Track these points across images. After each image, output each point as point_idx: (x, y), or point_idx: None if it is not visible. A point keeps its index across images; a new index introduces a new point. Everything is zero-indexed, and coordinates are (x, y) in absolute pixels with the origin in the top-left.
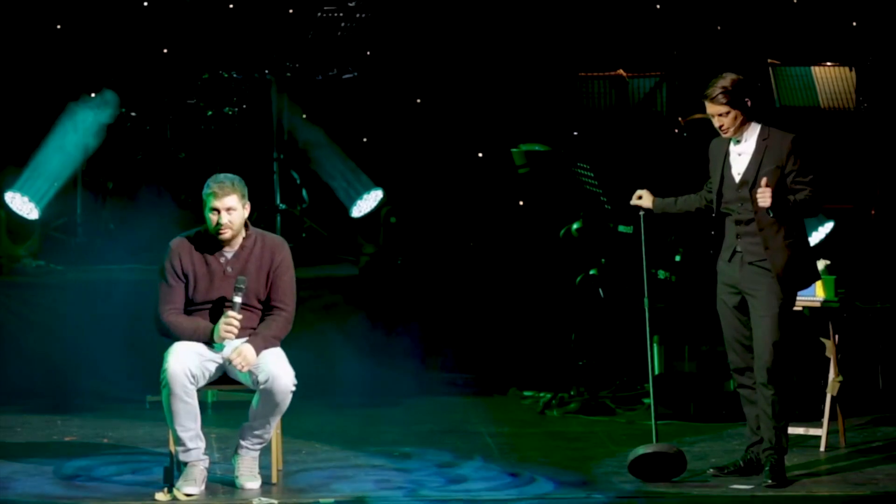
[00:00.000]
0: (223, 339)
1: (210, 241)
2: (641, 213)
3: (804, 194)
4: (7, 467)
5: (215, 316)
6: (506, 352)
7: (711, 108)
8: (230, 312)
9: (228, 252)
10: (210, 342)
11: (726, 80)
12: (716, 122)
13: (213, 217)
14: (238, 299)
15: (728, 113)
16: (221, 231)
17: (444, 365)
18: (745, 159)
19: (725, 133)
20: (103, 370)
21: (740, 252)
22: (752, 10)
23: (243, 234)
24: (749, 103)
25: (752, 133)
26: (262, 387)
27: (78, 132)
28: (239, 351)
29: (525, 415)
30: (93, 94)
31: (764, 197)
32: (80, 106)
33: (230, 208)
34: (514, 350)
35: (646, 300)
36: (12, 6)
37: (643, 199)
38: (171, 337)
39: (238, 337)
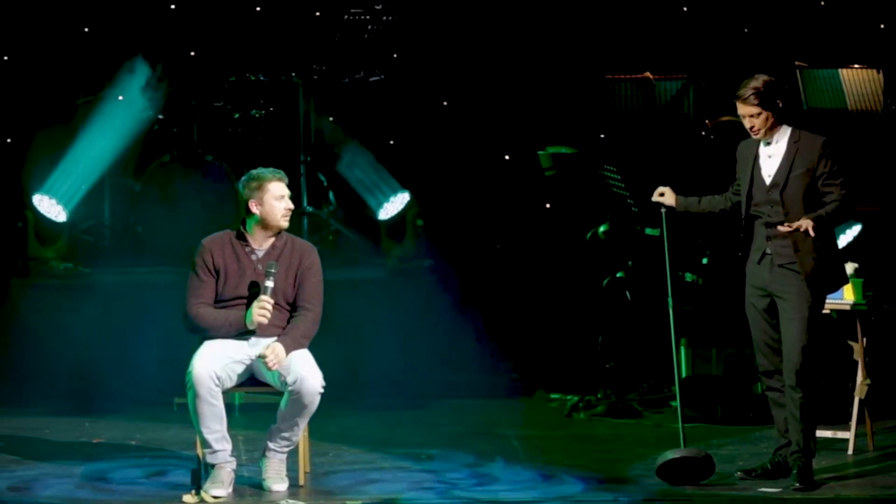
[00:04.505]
0: (257, 322)
1: (241, 240)
2: (663, 210)
3: (835, 197)
4: (35, 469)
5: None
6: (533, 354)
7: (743, 109)
8: (263, 297)
9: (259, 251)
10: (242, 331)
11: (758, 81)
12: (747, 124)
13: (279, 204)
14: (270, 283)
15: (759, 114)
16: (286, 215)
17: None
18: (776, 161)
19: (756, 134)
20: (130, 372)
21: (770, 254)
22: (779, 12)
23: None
24: (780, 105)
25: (783, 135)
26: (290, 388)
27: (108, 135)
28: (272, 348)
29: (552, 417)
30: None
31: (801, 227)
32: (116, 106)
33: (290, 195)
34: (541, 352)
35: (669, 300)
36: (39, 6)
37: (665, 196)
38: (199, 331)
39: (268, 335)
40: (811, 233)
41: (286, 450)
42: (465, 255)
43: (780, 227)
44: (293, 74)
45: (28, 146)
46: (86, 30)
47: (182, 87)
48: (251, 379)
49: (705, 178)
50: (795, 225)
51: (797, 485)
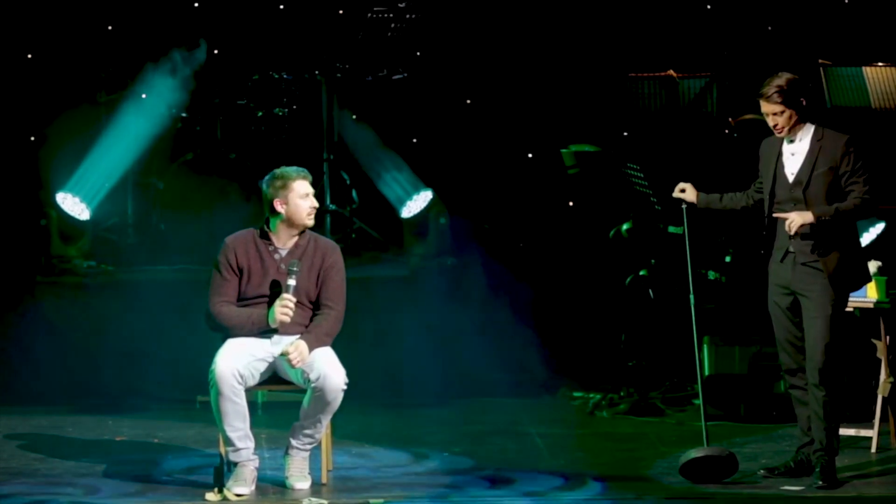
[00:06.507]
0: (279, 321)
1: (264, 239)
2: (684, 206)
3: (857, 195)
4: (58, 467)
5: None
6: (557, 352)
7: (766, 107)
8: (285, 295)
9: (283, 250)
10: (265, 330)
11: (781, 79)
12: (770, 122)
13: (304, 203)
14: (292, 282)
15: (783, 112)
16: (311, 213)
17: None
18: (799, 159)
19: (779, 132)
20: (154, 370)
21: (793, 252)
22: (803, 10)
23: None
24: (804, 103)
25: (807, 133)
26: (313, 385)
27: (131, 133)
28: (296, 345)
29: (574, 416)
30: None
31: (794, 224)
32: (139, 104)
33: (314, 194)
34: (564, 350)
35: (692, 297)
36: (63, 4)
37: (686, 192)
38: (222, 330)
39: (290, 333)
40: (801, 229)
41: (309, 447)
42: (488, 254)
43: (776, 214)
44: (316, 72)
45: (50, 144)
46: (109, 28)
47: (205, 84)
48: (274, 377)
49: (729, 176)
50: (791, 216)
51: (820, 483)
